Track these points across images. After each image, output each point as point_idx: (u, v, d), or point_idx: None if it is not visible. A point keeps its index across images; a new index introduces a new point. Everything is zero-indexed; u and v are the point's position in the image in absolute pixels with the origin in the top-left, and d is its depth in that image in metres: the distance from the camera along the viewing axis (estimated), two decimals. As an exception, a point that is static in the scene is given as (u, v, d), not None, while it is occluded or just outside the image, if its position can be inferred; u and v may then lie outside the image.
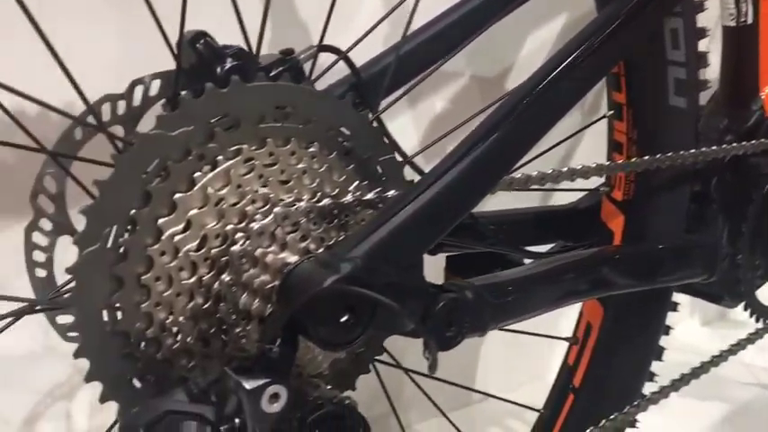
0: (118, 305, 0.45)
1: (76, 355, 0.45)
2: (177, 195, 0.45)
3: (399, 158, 0.57)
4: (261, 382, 0.42)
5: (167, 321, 0.46)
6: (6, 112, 0.45)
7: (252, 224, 0.46)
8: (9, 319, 0.48)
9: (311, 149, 0.50)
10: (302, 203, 0.48)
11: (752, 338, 0.84)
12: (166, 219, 0.45)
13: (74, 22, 0.66)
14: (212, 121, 0.46)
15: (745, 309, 0.86)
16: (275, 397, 0.42)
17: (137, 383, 0.46)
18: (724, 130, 0.84)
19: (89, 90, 0.47)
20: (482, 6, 0.73)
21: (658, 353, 0.83)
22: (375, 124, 0.57)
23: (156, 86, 0.56)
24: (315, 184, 0.50)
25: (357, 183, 0.52)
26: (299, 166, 0.49)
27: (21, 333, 0.58)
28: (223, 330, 0.47)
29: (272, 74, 0.58)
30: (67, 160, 0.51)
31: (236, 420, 0.41)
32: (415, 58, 0.71)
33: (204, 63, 0.55)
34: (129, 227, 0.44)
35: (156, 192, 0.45)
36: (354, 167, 0.52)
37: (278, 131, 0.48)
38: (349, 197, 0.50)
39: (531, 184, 0.62)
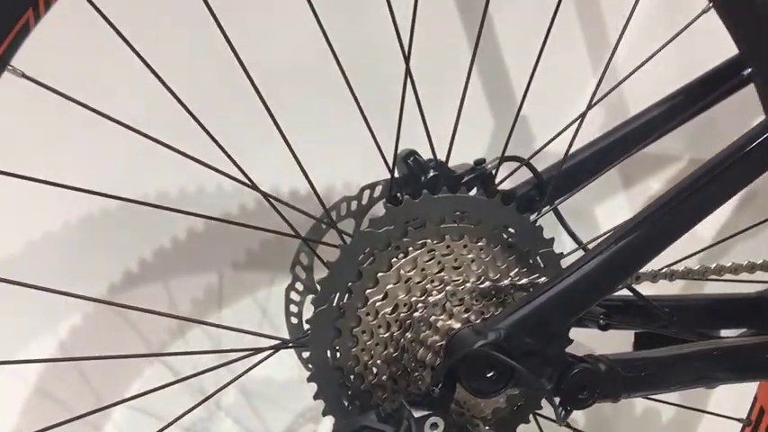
0: (337, 348, 0.65)
1: (309, 379, 0.66)
2: (380, 274, 0.65)
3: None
4: (425, 412, 0.59)
5: (369, 363, 0.65)
6: (279, 213, 0.68)
7: (429, 298, 0.65)
8: (270, 351, 0.71)
9: (480, 243, 0.67)
10: (468, 284, 0.65)
11: None
12: (371, 290, 0.65)
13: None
14: (407, 222, 0.66)
15: None
16: (435, 426, 0.59)
17: (347, 405, 0.66)
18: None
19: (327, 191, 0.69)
20: (653, 119, 0.85)
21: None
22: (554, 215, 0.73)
23: (378, 190, 0.78)
24: (480, 270, 0.67)
25: (516, 270, 0.68)
26: (469, 255, 0.67)
27: (284, 363, 0.81)
28: (406, 373, 0.65)
29: (464, 181, 0.77)
30: (314, 244, 0.73)
31: (408, 439, 0.59)
32: (592, 162, 0.85)
33: (413, 174, 0.76)
34: (347, 294, 0.65)
35: (366, 271, 0.65)
36: (515, 258, 0.68)
37: (454, 230, 0.67)
38: (506, 281, 0.66)
39: (709, 275, 0.73)
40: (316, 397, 0.66)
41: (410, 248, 0.65)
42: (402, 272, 0.65)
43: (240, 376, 0.72)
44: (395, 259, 0.65)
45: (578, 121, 0.78)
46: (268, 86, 0.68)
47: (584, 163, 0.84)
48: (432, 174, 0.75)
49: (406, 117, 0.71)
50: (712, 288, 0.91)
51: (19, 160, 0.65)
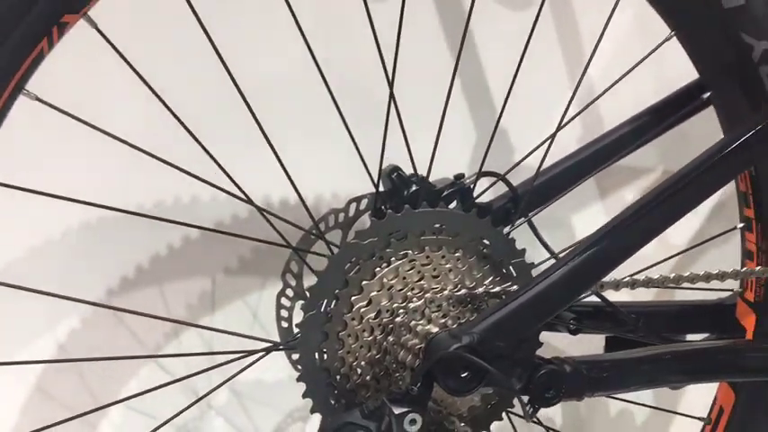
0: (324, 350, 0.70)
1: (298, 379, 0.71)
2: (364, 282, 0.70)
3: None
4: (405, 409, 0.64)
5: (354, 364, 0.71)
6: (272, 225, 0.74)
7: (410, 304, 0.70)
8: (262, 353, 0.76)
9: (457, 254, 0.73)
10: (446, 292, 0.71)
11: None
12: (357, 297, 0.70)
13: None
14: (390, 234, 0.71)
15: None
16: (413, 422, 0.65)
17: (333, 403, 0.71)
18: None
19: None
20: (621, 137, 0.91)
21: (793, 441, 0.92)
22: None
23: (364, 203, 0.83)
24: (457, 279, 0.72)
25: (491, 278, 0.74)
26: (447, 265, 0.72)
27: (274, 365, 0.86)
28: (388, 374, 0.71)
29: (443, 195, 0.83)
30: (304, 253, 0.79)
31: (389, 433, 0.65)
32: (564, 177, 0.91)
33: (396, 188, 0.81)
34: (334, 300, 0.70)
35: (352, 280, 0.70)
36: (490, 267, 0.74)
37: (434, 242, 0.72)
38: (480, 289, 0.71)
39: (668, 283, 0.79)
40: (304, 396, 0.71)
41: (392, 258, 0.71)
42: (385, 280, 0.70)
43: (233, 377, 0.78)
44: (378, 269, 0.70)
45: (551, 139, 0.84)
46: (262, 101, 0.74)
47: (557, 177, 0.90)
48: (413, 188, 0.81)
49: (396, 132, 0.77)
50: (682, 295, 0.98)
51: (24, 171, 0.71)
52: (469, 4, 0.79)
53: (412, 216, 0.71)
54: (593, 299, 0.86)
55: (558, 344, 1.01)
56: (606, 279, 0.74)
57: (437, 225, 0.73)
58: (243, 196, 0.74)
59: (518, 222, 0.81)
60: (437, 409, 0.72)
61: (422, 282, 0.71)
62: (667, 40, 0.83)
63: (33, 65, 0.62)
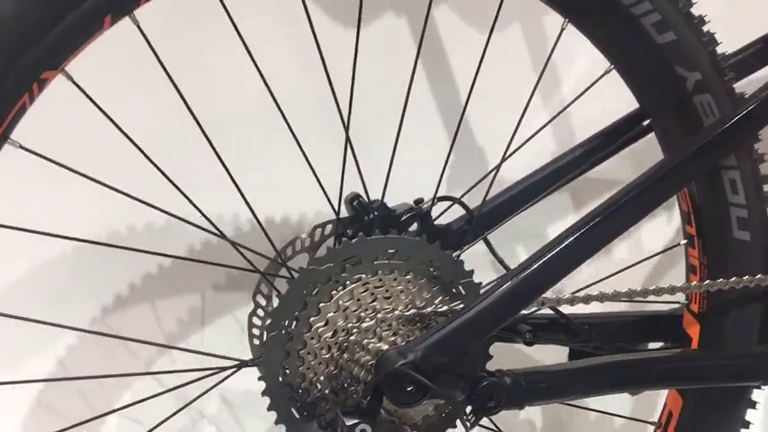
0: (286, 367, 0.77)
1: (263, 394, 0.78)
2: (322, 304, 0.77)
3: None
4: (355, 421, 0.71)
5: (313, 379, 0.78)
6: (243, 255, 0.81)
7: (363, 324, 0.77)
8: (234, 369, 0.83)
9: (408, 276, 0.80)
10: (396, 312, 0.78)
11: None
12: (315, 318, 0.77)
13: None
14: (345, 260, 0.78)
15: None
16: (363, 431, 0.72)
17: (296, 415, 0.78)
18: None
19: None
20: (572, 160, 0.97)
21: (739, 444, 0.98)
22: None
23: (328, 228, 0.90)
24: (408, 299, 0.79)
25: (440, 298, 0.81)
26: (399, 287, 0.79)
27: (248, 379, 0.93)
28: (344, 388, 0.78)
29: (402, 219, 0.89)
30: (271, 277, 0.86)
31: (341, 443, 0.72)
32: (519, 198, 0.97)
33: (357, 215, 0.88)
34: (294, 321, 0.77)
35: (311, 302, 0.77)
36: (439, 288, 0.81)
37: (386, 266, 0.79)
38: (429, 309, 0.78)
39: (620, 298, 0.86)
40: (269, 409, 0.79)
41: (348, 282, 0.78)
42: (341, 302, 0.77)
43: (207, 391, 0.85)
44: (334, 291, 0.77)
45: (497, 167, 0.90)
46: (234, 132, 0.81)
47: (512, 198, 0.97)
48: (373, 214, 0.88)
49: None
50: (638, 307, 1.04)
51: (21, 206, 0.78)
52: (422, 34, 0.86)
53: (366, 243, 0.78)
54: (548, 311, 0.93)
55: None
56: (564, 295, 0.81)
57: (390, 250, 0.79)
58: (214, 230, 0.81)
59: (471, 243, 0.88)
60: (390, 420, 0.79)
61: (374, 303, 0.78)
62: (607, 73, 0.89)
63: (17, 117, 0.69)
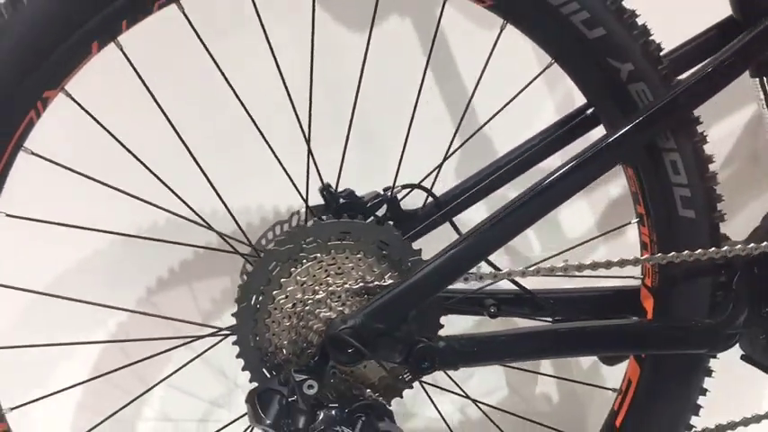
0: (256, 334, 0.91)
1: (238, 356, 0.92)
2: (282, 280, 0.90)
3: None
4: (304, 377, 0.84)
5: (278, 344, 0.91)
6: (229, 244, 0.95)
7: (316, 296, 0.90)
8: (210, 337, 0.98)
9: (359, 255, 0.91)
10: (346, 286, 0.90)
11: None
12: (277, 291, 0.90)
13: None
14: (303, 241, 0.91)
15: None
16: (310, 386, 0.84)
17: (266, 374, 0.92)
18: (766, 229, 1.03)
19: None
20: (529, 150, 1.06)
21: (695, 409, 1.05)
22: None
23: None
24: (359, 275, 0.91)
25: (389, 274, 0.92)
26: (350, 264, 0.91)
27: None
28: (303, 351, 0.91)
29: (369, 205, 1.01)
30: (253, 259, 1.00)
31: (295, 397, 0.85)
32: (484, 185, 1.07)
33: (327, 203, 1.00)
34: (261, 295, 0.91)
35: (273, 278, 0.91)
36: (388, 265, 0.92)
37: (339, 246, 0.91)
38: (374, 283, 0.90)
39: (572, 271, 0.95)
40: (243, 369, 0.92)
41: (305, 260, 0.90)
42: (298, 278, 0.90)
43: (198, 357, 1.00)
44: (293, 269, 0.90)
45: (440, 166, 1.00)
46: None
47: (477, 185, 1.06)
48: (342, 202, 1.00)
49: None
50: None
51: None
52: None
53: (320, 226, 0.91)
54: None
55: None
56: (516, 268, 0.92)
57: (343, 232, 0.91)
58: (202, 222, 0.96)
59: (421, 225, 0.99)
60: (344, 378, 0.91)
61: (327, 278, 0.90)
62: (548, 67, 0.98)
63: (27, 130, 0.85)
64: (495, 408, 1.14)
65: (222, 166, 1.10)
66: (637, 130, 0.91)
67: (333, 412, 0.86)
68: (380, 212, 1.00)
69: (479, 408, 1.10)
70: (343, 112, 1.01)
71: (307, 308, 0.90)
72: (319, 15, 0.97)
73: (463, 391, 1.07)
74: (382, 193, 1.02)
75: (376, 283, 0.90)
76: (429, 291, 0.87)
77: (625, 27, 0.92)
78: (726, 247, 0.96)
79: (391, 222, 1.01)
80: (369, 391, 0.90)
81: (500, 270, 0.98)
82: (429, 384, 1.01)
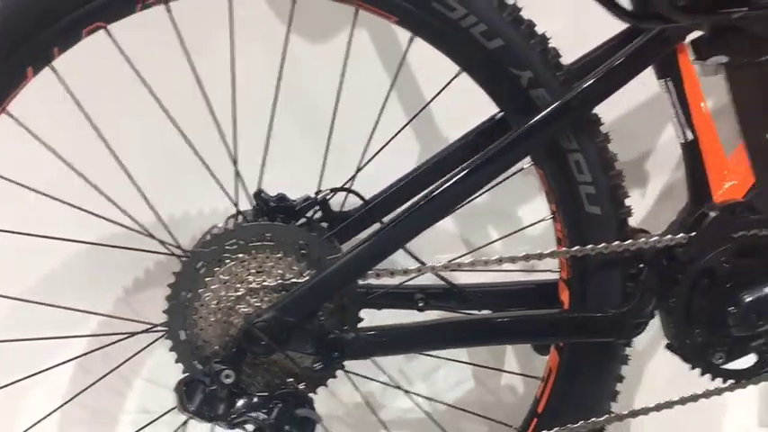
0: (185, 329, 0.99)
1: (171, 349, 1.00)
2: (207, 279, 0.98)
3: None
4: (221, 367, 0.92)
5: (205, 338, 0.99)
6: (165, 247, 1.03)
7: (237, 293, 0.98)
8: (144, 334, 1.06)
9: (278, 255, 0.99)
10: (264, 283, 0.98)
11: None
12: (203, 290, 0.98)
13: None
14: (226, 243, 0.99)
15: (702, 374, 1.08)
16: (228, 376, 0.92)
17: (198, 366, 1.00)
18: (678, 223, 1.09)
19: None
20: (450, 155, 1.12)
21: (613, 396, 1.11)
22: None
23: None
24: (278, 273, 0.99)
25: (308, 272, 1.00)
26: (270, 263, 0.99)
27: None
28: (226, 344, 0.98)
29: (297, 208, 1.09)
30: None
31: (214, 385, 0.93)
32: (411, 187, 1.13)
33: (260, 206, 1.08)
34: (189, 293, 0.99)
35: (199, 277, 0.99)
36: (307, 263, 1.00)
37: (260, 246, 0.99)
38: (291, 280, 0.97)
39: (491, 264, 1.02)
40: (176, 362, 1.01)
41: (228, 261, 0.98)
42: (222, 276, 0.98)
43: (139, 352, 1.08)
44: (217, 268, 0.98)
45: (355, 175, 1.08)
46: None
47: (405, 187, 1.13)
48: (273, 205, 1.07)
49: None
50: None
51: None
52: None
53: (242, 229, 0.99)
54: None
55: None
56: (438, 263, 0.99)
57: (264, 234, 0.99)
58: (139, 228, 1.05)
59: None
60: (266, 368, 0.99)
61: (248, 277, 0.98)
62: (457, 76, 1.05)
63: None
64: (424, 397, 1.21)
65: (169, 174, 1.19)
66: (530, 133, 0.97)
67: (252, 399, 0.93)
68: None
69: (411, 398, 1.17)
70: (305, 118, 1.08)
71: (229, 304, 0.98)
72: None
73: (393, 381, 1.14)
74: (312, 196, 1.10)
75: (293, 280, 0.97)
76: (336, 286, 0.95)
77: (523, 37, 0.99)
78: (628, 241, 1.02)
79: (324, 224, 1.09)
80: (290, 379, 0.97)
81: (425, 264, 1.05)
82: (352, 373, 1.08)
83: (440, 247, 1.35)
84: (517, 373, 1.25)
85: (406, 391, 1.15)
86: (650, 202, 1.45)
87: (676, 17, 0.72)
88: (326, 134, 1.11)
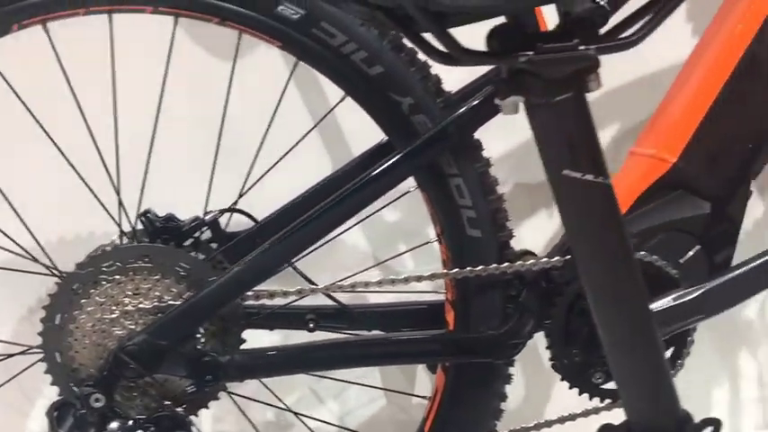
0: (60, 351, 0.98)
1: (46, 372, 0.99)
2: (83, 300, 0.97)
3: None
4: (91, 390, 0.91)
5: (80, 361, 0.98)
6: (44, 266, 1.02)
7: (111, 316, 0.97)
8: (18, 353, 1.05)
9: (156, 276, 0.99)
10: (140, 306, 0.97)
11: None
12: (78, 312, 0.98)
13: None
14: (103, 265, 0.98)
15: (581, 393, 1.11)
16: (97, 400, 0.91)
17: (74, 389, 0.99)
18: (559, 246, 1.11)
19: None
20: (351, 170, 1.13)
21: (497, 414, 1.13)
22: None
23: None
24: (156, 295, 0.98)
25: (188, 293, 0.99)
26: (147, 285, 0.98)
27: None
28: (102, 368, 0.98)
29: (184, 229, 1.08)
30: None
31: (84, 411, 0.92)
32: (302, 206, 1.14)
33: (145, 227, 1.08)
34: (65, 314, 0.98)
35: (74, 298, 0.98)
36: (186, 285, 1.00)
37: (138, 268, 0.98)
38: (169, 302, 0.97)
39: (372, 286, 1.03)
40: (52, 384, 0.99)
41: (104, 282, 0.98)
42: (98, 299, 0.97)
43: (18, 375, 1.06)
44: (93, 290, 0.97)
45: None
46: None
47: (296, 207, 1.14)
48: (159, 225, 1.07)
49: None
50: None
51: None
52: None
53: (119, 250, 0.98)
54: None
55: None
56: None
57: (143, 255, 0.99)
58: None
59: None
60: (144, 391, 0.98)
61: (124, 299, 0.97)
62: (342, 100, 1.06)
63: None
64: (315, 419, 1.21)
65: (62, 194, 1.18)
66: (409, 157, 0.99)
67: (125, 423, 0.92)
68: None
69: (301, 420, 1.17)
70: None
71: (104, 326, 0.97)
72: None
73: (283, 403, 1.14)
74: (201, 216, 1.10)
75: (170, 302, 0.97)
76: (211, 309, 0.95)
77: (403, 64, 1.01)
78: (505, 264, 1.04)
79: (214, 245, 1.09)
80: (168, 402, 0.97)
81: (315, 284, 1.06)
82: (238, 395, 1.08)
83: (350, 266, 1.38)
84: (405, 393, 1.27)
85: (296, 414, 1.16)
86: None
87: (468, 62, 0.76)
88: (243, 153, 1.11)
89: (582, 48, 0.73)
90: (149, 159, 1.06)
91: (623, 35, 0.73)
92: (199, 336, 0.98)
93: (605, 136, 1.38)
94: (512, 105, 0.73)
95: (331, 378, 1.22)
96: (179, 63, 1.06)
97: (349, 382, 1.27)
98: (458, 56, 0.74)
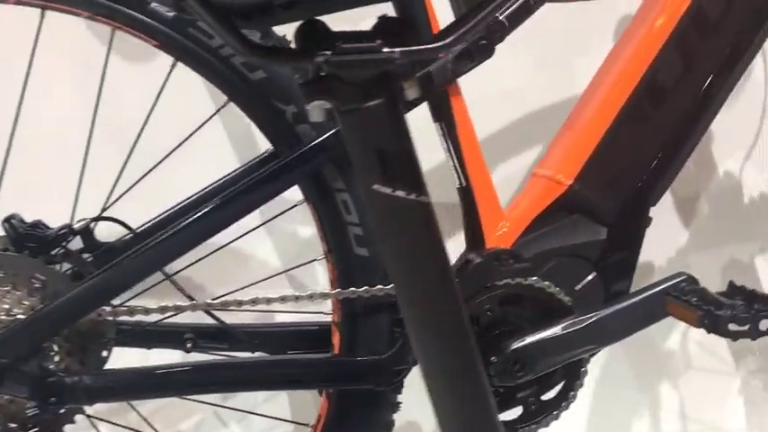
0: None
1: None
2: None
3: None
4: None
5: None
6: None
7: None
8: None
9: (6, 288, 0.91)
10: (-12, 320, 0.89)
11: None
12: None
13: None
14: (-53, 274, 0.90)
15: None
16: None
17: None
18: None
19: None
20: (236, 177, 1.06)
21: (380, 443, 1.06)
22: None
23: None
24: (4, 308, 0.90)
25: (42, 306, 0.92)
26: (-5, 298, 0.91)
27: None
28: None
29: (50, 237, 1.01)
30: None
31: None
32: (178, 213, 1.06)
33: (8, 233, 0.99)
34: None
35: None
36: (41, 298, 0.92)
37: (-9, 278, 0.91)
38: (19, 315, 0.89)
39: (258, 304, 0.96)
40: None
41: (-49, 292, 0.89)
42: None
43: None
44: (-65, 301, 0.89)
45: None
46: None
47: (173, 215, 1.06)
48: (23, 232, 0.99)
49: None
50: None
51: None
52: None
53: (-27, 260, 0.90)
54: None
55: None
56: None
57: (-3, 266, 0.91)
58: None
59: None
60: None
61: (-32, 313, 0.89)
62: (224, 105, 1.00)
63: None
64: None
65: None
66: (288, 168, 0.94)
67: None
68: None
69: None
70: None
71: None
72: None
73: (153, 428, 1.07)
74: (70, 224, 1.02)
75: (18, 316, 0.89)
76: (59, 324, 0.87)
77: (287, 71, 0.95)
78: (390, 285, 0.99)
79: (86, 255, 1.01)
80: (14, 425, 0.89)
81: (195, 300, 0.99)
82: (90, 417, 1.00)
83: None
84: (286, 420, 1.20)
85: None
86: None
87: (271, 61, 0.69)
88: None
89: (386, 50, 0.65)
90: (6, 163, 0.98)
91: (434, 41, 0.66)
92: (52, 353, 0.90)
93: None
94: (318, 110, 0.66)
95: (204, 402, 1.14)
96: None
97: (207, 404, 1.18)
98: (260, 54, 0.68)
